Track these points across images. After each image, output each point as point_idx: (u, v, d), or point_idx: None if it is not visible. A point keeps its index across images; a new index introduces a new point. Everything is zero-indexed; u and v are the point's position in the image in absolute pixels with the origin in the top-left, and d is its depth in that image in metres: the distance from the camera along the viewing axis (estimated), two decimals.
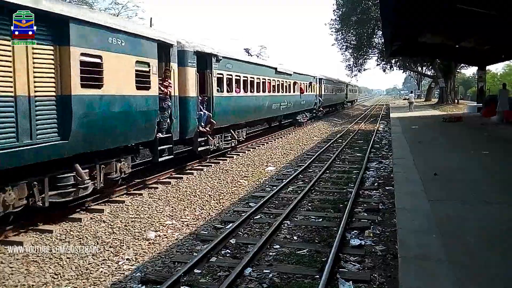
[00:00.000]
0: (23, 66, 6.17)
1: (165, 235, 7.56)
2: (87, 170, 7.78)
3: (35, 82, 6.38)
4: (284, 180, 11.35)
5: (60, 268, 5.95)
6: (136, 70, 8.80)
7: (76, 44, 7.03)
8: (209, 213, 8.93)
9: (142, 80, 8.97)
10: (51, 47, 6.73)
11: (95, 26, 7.52)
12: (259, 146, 17.72)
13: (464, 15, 13.51)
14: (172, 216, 8.57)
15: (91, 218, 7.85)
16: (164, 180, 10.94)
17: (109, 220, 7.89)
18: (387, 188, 10.32)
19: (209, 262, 6.18)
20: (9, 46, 5.99)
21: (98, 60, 7.65)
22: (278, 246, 6.80)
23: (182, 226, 8.09)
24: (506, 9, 12.44)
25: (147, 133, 9.43)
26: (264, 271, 5.84)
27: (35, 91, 6.40)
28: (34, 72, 6.37)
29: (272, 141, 19.50)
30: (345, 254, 6.35)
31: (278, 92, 20.90)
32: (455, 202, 6.61)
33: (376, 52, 49.37)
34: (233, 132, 14.96)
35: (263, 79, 18.26)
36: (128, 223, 7.87)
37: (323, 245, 6.77)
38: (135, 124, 8.90)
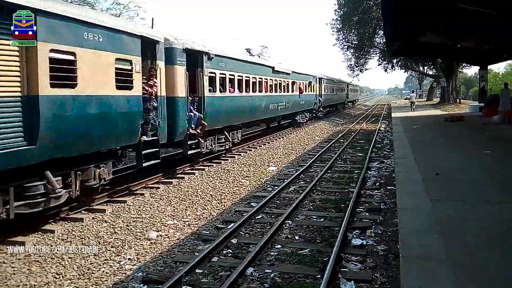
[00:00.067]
0: None
1: (166, 235, 7.58)
2: (60, 178, 7.15)
3: None
4: (285, 180, 11.37)
5: (62, 268, 5.98)
6: (116, 68, 8.17)
7: (45, 40, 6.43)
8: (211, 213, 8.95)
9: (123, 79, 8.38)
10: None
11: (67, 20, 6.85)
12: (256, 148, 17.20)
13: (465, 15, 13.49)
14: (173, 216, 8.59)
15: (92, 218, 7.88)
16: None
17: (110, 220, 7.92)
18: (388, 187, 10.33)
19: (211, 262, 6.20)
20: None
21: (71, 57, 7.04)
22: (279, 246, 6.81)
23: (184, 226, 8.11)
24: (506, 9, 12.43)
25: (130, 136, 8.79)
26: (266, 271, 5.85)
27: None
28: None
29: (272, 142, 19.50)
30: (346, 254, 6.35)
31: (276, 92, 20.32)
32: (456, 202, 6.61)
33: (377, 52, 49.33)
34: (227, 134, 14.37)
35: (259, 78, 17.64)
36: (129, 223, 7.90)
37: (324, 245, 6.78)
38: (115, 126, 8.28)
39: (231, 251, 6.69)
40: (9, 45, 6.04)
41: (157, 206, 8.94)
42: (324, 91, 33.54)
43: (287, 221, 7.96)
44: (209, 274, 5.82)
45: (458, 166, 9.51)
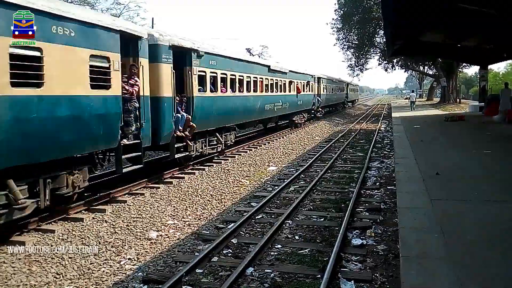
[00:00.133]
0: None
1: (166, 234, 7.58)
2: (25, 187, 6.49)
3: None
4: (285, 180, 11.37)
5: (62, 268, 5.97)
6: (91, 66, 7.46)
7: (3, 33, 5.86)
8: (211, 213, 8.95)
9: (99, 78, 7.69)
10: None
11: (32, 12, 6.19)
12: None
13: (465, 14, 13.49)
14: (173, 215, 8.59)
15: (93, 218, 7.88)
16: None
17: (111, 220, 7.92)
18: (388, 187, 10.33)
19: (211, 261, 6.20)
20: None
21: (36, 53, 6.36)
22: (279, 246, 6.81)
23: (184, 225, 8.11)
24: (506, 9, 12.43)
25: (108, 140, 8.13)
26: (266, 270, 5.85)
27: None
28: None
29: (272, 142, 19.46)
30: (346, 253, 6.35)
31: (272, 92, 19.60)
32: (456, 201, 6.62)
33: (377, 52, 49.36)
34: (219, 136, 13.62)
35: (254, 77, 16.81)
36: (130, 222, 7.90)
37: (324, 245, 6.78)
38: (90, 129, 7.56)
39: (231, 251, 6.69)
40: None
41: (157, 206, 8.94)
42: (323, 91, 33.03)
43: (287, 221, 7.96)
44: (209, 274, 5.82)
45: (458, 166, 9.51)
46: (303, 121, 26.88)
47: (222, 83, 13.59)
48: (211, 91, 12.76)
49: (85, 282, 5.72)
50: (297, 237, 7.24)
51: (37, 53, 6.37)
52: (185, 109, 11.29)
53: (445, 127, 18.86)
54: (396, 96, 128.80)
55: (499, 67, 64.36)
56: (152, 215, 8.40)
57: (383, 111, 47.44)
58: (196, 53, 11.57)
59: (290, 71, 22.54)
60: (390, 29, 15.60)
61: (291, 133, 22.83)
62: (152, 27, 22.10)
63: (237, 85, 15.07)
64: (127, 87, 8.71)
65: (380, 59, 50.41)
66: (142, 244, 7.07)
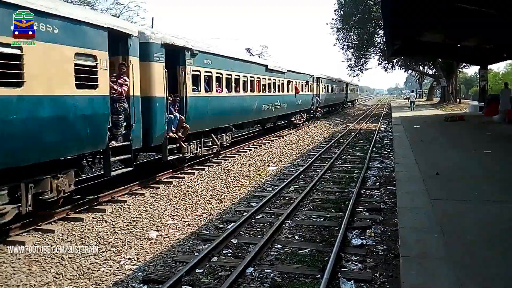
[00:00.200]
0: None
1: (166, 234, 7.58)
2: (5, 192, 6.24)
3: None
4: (285, 180, 11.37)
5: (62, 268, 5.97)
6: (77, 65, 7.10)
7: None
8: (211, 213, 8.95)
9: (85, 77, 7.33)
10: None
11: (9, 7, 5.88)
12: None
13: (465, 14, 13.49)
14: (173, 215, 8.59)
15: (92, 218, 7.87)
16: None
17: (110, 219, 7.92)
18: (388, 187, 10.33)
19: (211, 261, 6.20)
20: None
21: (15, 51, 6.04)
22: (279, 246, 6.81)
23: (184, 225, 8.11)
24: (506, 9, 12.44)
25: (95, 142, 7.80)
26: (266, 270, 5.85)
27: None
28: None
29: (272, 142, 19.47)
30: (346, 253, 6.35)
31: (270, 91, 19.21)
32: (456, 201, 6.62)
33: (377, 52, 49.38)
34: (214, 137, 13.31)
35: (251, 77, 16.41)
36: (129, 222, 7.90)
37: (324, 245, 6.78)
38: (75, 131, 7.22)
39: (231, 251, 6.69)
40: None
41: (157, 206, 8.94)
42: (322, 91, 32.80)
43: (287, 221, 7.96)
44: (209, 274, 5.82)
45: (458, 166, 9.52)
46: (302, 121, 26.62)
47: (217, 83, 13.26)
48: (206, 91, 12.39)
49: (85, 282, 5.72)
50: (297, 237, 7.24)
51: (17, 51, 6.07)
52: (179, 110, 10.98)
53: (445, 127, 18.86)
54: (396, 96, 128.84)
55: (499, 67, 64.43)
56: (152, 215, 8.40)
57: (383, 111, 47.46)
58: (189, 52, 11.22)
59: (288, 70, 22.18)
60: (390, 29, 15.62)
61: (291, 133, 22.82)
62: (152, 27, 22.11)
63: (233, 84, 14.69)
64: (115, 87, 8.39)
65: (380, 59, 50.48)
66: (142, 244, 7.06)
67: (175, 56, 10.81)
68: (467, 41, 20.45)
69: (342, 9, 46.35)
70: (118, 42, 8.57)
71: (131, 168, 8.93)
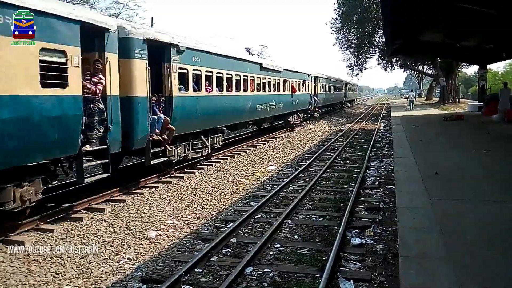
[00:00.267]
0: None
1: (166, 234, 7.57)
2: None
3: None
4: (285, 179, 11.36)
5: (61, 267, 5.96)
6: (42, 61, 6.47)
7: None
8: (210, 212, 8.94)
9: (53, 75, 6.68)
10: None
11: None
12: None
13: (464, 14, 13.51)
14: (173, 215, 8.58)
15: (92, 217, 7.86)
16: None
17: (110, 219, 7.91)
18: (387, 187, 10.33)
19: (210, 261, 6.19)
20: None
21: None
22: (279, 245, 6.80)
23: (183, 225, 8.10)
24: (506, 9, 12.44)
25: (65, 146, 7.12)
26: (265, 270, 5.85)
27: None
28: None
29: (271, 141, 19.46)
30: (345, 253, 6.35)
31: (264, 91, 18.49)
32: (456, 201, 6.62)
33: (377, 51, 49.37)
34: (204, 139, 12.63)
35: (244, 76, 15.68)
36: (129, 222, 7.89)
37: (323, 244, 6.77)
38: (42, 135, 6.56)
39: (230, 250, 6.69)
40: None
41: (156, 206, 8.93)
42: (320, 90, 32.38)
43: (287, 220, 7.96)
44: (209, 274, 5.82)
45: (458, 165, 9.52)
46: (299, 121, 26.14)
47: (207, 82, 12.51)
48: (194, 90, 11.67)
49: (84, 281, 5.71)
50: (296, 237, 7.24)
51: None
52: (163, 111, 10.27)
53: (444, 127, 18.87)
54: (395, 96, 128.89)
55: (498, 67, 64.43)
56: (151, 215, 8.39)
57: (382, 111, 47.47)
58: (175, 48, 10.42)
59: (284, 69, 21.52)
60: (389, 29, 15.63)
61: (290, 133, 22.81)
62: (152, 26, 22.09)
63: (225, 83, 13.87)
64: (89, 86, 7.70)
65: (380, 58, 50.50)
66: (141, 244, 7.05)
67: (159, 52, 10.14)
68: (466, 41, 20.47)
69: (342, 9, 46.37)
70: (93, 37, 7.91)
71: (108, 174, 8.19)
